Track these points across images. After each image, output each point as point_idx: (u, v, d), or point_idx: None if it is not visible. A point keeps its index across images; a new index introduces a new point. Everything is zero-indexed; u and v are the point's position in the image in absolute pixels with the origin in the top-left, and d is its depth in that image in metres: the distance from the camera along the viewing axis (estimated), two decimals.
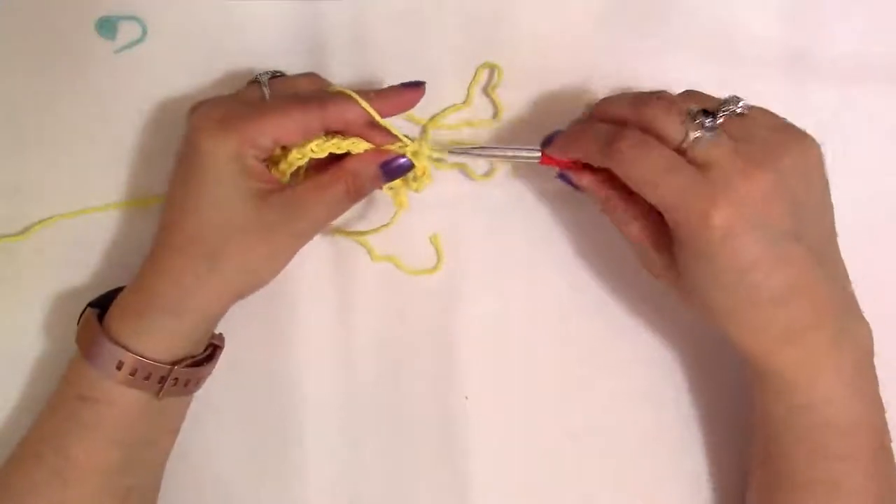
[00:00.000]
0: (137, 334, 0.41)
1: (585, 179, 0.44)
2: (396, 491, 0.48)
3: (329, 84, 0.47)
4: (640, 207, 0.42)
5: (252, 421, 0.48)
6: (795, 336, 0.40)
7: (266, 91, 0.44)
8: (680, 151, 0.39)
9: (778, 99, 0.51)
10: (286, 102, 0.43)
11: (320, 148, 0.43)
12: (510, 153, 0.45)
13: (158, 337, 0.41)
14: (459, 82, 0.50)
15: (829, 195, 0.42)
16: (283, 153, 0.44)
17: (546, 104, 0.50)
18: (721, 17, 0.51)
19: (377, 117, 0.43)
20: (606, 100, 0.44)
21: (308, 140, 0.43)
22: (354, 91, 0.43)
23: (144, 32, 0.50)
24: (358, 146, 0.44)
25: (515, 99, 0.50)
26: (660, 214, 0.41)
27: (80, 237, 0.49)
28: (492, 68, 0.50)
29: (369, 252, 0.49)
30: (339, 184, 0.43)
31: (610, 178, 0.42)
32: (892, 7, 0.52)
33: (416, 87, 0.45)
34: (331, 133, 0.44)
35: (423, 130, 0.50)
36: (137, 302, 0.42)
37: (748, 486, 0.46)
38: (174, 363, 0.41)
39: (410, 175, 0.46)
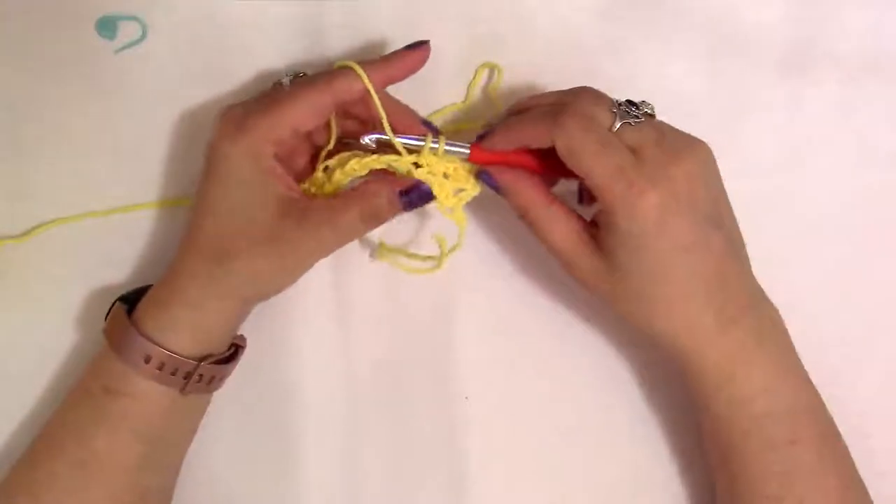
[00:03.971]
0: (163, 329, 0.41)
1: (508, 177, 0.44)
2: (396, 491, 0.48)
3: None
4: (562, 210, 0.43)
5: (251, 421, 0.48)
6: (726, 326, 0.41)
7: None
8: None
9: (779, 96, 0.52)
10: (296, 88, 0.43)
11: (360, 165, 0.43)
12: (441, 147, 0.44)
13: (183, 332, 0.42)
14: (459, 82, 0.50)
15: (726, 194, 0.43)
16: (327, 175, 0.44)
17: None
18: (723, 15, 0.51)
19: (371, 88, 0.42)
20: (530, 98, 0.45)
21: (349, 159, 0.43)
22: (359, 62, 0.43)
23: (144, 32, 0.50)
24: (399, 164, 0.43)
25: (515, 99, 0.50)
26: (580, 219, 0.43)
27: (81, 239, 0.49)
28: (492, 68, 0.50)
29: (379, 248, 0.49)
30: (352, 208, 0.43)
31: (533, 182, 0.43)
32: (893, 4, 0.52)
33: (420, 46, 0.44)
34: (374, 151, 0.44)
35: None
36: (163, 296, 0.42)
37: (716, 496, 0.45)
38: (200, 360, 0.42)
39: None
